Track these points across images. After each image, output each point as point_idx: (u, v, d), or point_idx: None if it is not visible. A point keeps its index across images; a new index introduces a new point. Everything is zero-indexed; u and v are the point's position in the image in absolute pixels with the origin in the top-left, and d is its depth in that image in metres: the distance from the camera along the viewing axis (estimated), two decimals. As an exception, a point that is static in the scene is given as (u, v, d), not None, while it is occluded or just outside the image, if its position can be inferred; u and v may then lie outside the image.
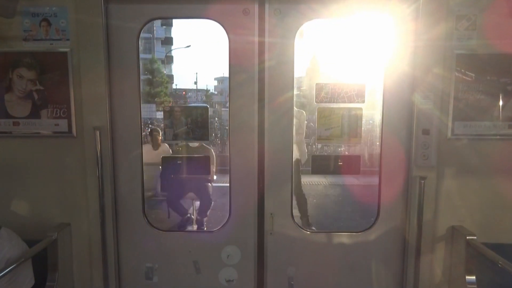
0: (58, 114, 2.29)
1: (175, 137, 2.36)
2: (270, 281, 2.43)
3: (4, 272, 1.78)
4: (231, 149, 2.35)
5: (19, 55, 2.24)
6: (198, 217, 3.92)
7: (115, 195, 2.36)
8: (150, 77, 18.20)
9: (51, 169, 2.31)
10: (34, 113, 2.29)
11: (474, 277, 2.16)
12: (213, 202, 4.09)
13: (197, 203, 4.16)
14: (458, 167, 2.28)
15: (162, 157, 2.60)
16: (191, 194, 4.13)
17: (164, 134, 2.37)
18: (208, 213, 4.07)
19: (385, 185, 2.34)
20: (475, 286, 2.15)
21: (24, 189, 2.33)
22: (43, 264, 2.21)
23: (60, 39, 2.25)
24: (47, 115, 2.28)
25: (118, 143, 2.33)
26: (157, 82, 18.35)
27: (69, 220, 2.35)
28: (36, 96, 2.28)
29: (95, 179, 2.27)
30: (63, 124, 2.29)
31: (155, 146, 4.43)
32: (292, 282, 2.42)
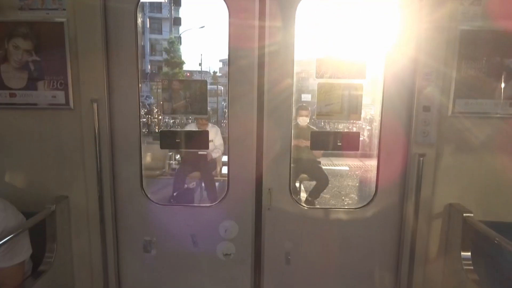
0: (55, 86, 2.26)
1: (174, 111, 2.34)
2: (267, 255, 2.45)
3: (3, 241, 1.79)
4: (229, 125, 2.33)
5: (14, 25, 2.20)
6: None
7: (113, 168, 2.35)
8: (168, 57, 17.94)
9: (48, 142, 2.30)
10: (31, 85, 2.26)
11: (469, 254, 2.18)
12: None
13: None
14: (458, 145, 2.27)
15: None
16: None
17: (162, 107, 2.35)
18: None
19: (383, 162, 2.33)
20: (470, 262, 2.17)
21: (21, 161, 2.32)
22: (42, 235, 2.22)
23: (56, 9, 2.20)
24: (44, 87, 2.25)
25: (116, 116, 2.31)
26: (175, 63, 18.10)
27: (67, 193, 2.35)
28: (32, 67, 2.24)
29: (93, 152, 2.26)
30: (60, 96, 2.26)
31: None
32: (289, 257, 2.44)
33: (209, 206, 2.44)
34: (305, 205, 2.41)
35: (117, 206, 2.41)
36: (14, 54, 2.22)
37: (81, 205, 2.35)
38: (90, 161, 2.28)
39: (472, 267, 2.16)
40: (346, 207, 2.44)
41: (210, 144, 4.37)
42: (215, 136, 4.62)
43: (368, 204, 2.40)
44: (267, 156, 2.34)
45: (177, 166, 4.97)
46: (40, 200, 2.23)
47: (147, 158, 4.96)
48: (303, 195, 4.49)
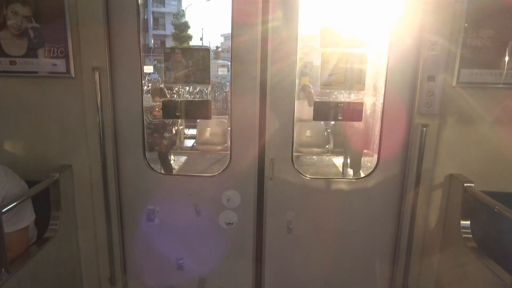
0: (56, 54, 2.22)
1: (176, 80, 2.32)
2: (269, 225, 2.49)
3: (8, 208, 1.80)
4: (232, 97, 2.32)
5: (12, -10, 2.15)
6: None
7: (115, 138, 2.35)
8: (176, 31, 17.56)
9: (50, 111, 2.28)
10: (31, 52, 2.22)
11: (468, 222, 2.21)
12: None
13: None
14: (461, 115, 2.26)
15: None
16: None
17: (164, 76, 2.32)
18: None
19: (386, 132, 2.33)
20: (469, 231, 2.21)
21: (23, 130, 2.31)
22: (46, 204, 2.24)
23: (55, -26, 2.14)
24: (44, 54, 2.22)
25: (118, 84, 2.29)
26: (184, 37, 17.73)
27: (70, 162, 2.35)
28: (32, 34, 2.20)
29: (95, 121, 2.25)
30: (61, 64, 2.23)
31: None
32: (291, 226, 2.48)
33: (212, 176, 2.45)
34: (306, 175, 2.42)
35: (120, 175, 2.42)
36: (13, 20, 2.17)
37: (85, 174, 2.36)
38: (92, 130, 2.28)
39: (470, 236, 2.20)
40: (347, 178, 2.46)
41: None
42: None
43: (369, 174, 2.41)
44: (269, 126, 2.34)
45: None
46: (43, 169, 2.24)
47: (206, 134, 5.02)
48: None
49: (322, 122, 5.27)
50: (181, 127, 5.20)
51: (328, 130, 5.43)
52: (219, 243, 2.53)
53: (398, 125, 2.31)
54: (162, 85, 5.59)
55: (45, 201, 2.23)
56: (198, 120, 5.57)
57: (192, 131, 5.99)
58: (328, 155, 5.67)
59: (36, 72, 2.24)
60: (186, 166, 5.55)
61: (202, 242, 2.53)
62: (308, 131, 5.24)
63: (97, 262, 2.47)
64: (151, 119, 4.49)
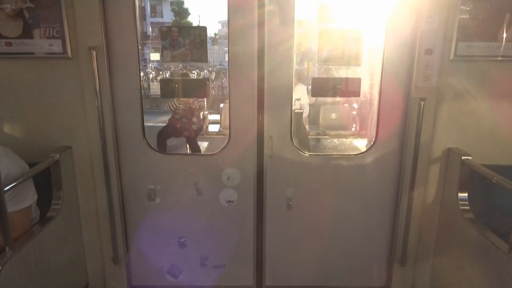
0: (52, 34, 2.21)
1: (173, 59, 2.31)
2: (269, 202, 2.51)
3: (10, 186, 1.82)
4: (230, 76, 2.32)
5: (6, -31, 2.13)
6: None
7: (114, 118, 2.35)
8: (177, 19, 17.42)
9: (48, 92, 2.28)
10: (27, 33, 2.21)
11: (466, 194, 2.24)
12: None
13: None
14: (459, 89, 2.27)
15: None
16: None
17: (162, 56, 2.32)
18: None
19: (384, 107, 2.35)
20: (467, 202, 2.24)
21: (22, 112, 2.31)
22: (48, 185, 2.26)
23: (48, -48, 2.12)
24: (40, 35, 2.21)
25: (115, 64, 2.28)
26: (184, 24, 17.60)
27: (70, 143, 2.36)
28: (27, 15, 2.19)
29: (94, 102, 2.25)
30: (57, 44, 2.22)
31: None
32: (291, 203, 2.50)
33: (212, 154, 2.46)
34: (306, 152, 2.44)
35: (120, 155, 2.43)
36: (7, 0, 2.16)
37: (85, 155, 2.37)
38: (91, 110, 2.28)
39: (468, 207, 2.22)
40: (346, 153, 2.47)
41: (297, 103, 4.38)
42: (302, 94, 4.53)
43: (368, 149, 2.43)
44: (268, 104, 2.35)
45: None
46: (43, 151, 2.24)
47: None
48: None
49: (346, 104, 5.27)
50: (206, 112, 5.18)
51: (354, 113, 5.44)
52: (220, 221, 2.56)
53: (396, 99, 2.32)
54: (185, 71, 5.56)
55: (46, 184, 2.25)
56: (221, 105, 5.56)
57: (215, 117, 6.05)
58: (352, 138, 5.65)
59: (33, 53, 2.23)
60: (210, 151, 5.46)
61: (203, 220, 2.56)
62: (333, 114, 5.25)
63: (100, 241, 2.50)
64: (177, 105, 4.57)
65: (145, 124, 2.40)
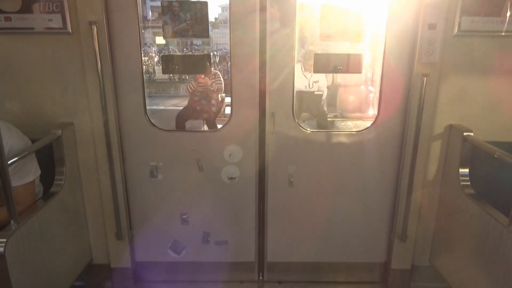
0: (51, 9, 2.19)
1: (174, 34, 2.29)
2: (270, 178, 2.53)
3: (13, 160, 1.83)
4: (232, 52, 2.30)
5: None
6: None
7: (116, 94, 2.35)
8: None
9: (49, 68, 2.27)
10: (26, 8, 2.18)
11: (467, 170, 2.25)
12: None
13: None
14: (462, 64, 2.26)
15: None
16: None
17: (163, 31, 2.30)
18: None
19: (386, 83, 2.33)
20: (468, 178, 2.25)
21: (23, 88, 2.30)
22: (50, 162, 2.27)
23: None
24: (40, 9, 2.18)
25: (116, 40, 2.26)
26: None
27: (72, 120, 2.36)
28: (26, -12, 2.16)
29: (95, 78, 2.24)
30: (56, 19, 2.20)
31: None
32: (292, 179, 2.52)
33: (213, 131, 2.48)
34: (307, 129, 2.44)
35: (122, 132, 2.44)
36: (5, -27, 2.13)
37: (87, 132, 2.37)
38: (92, 87, 2.27)
39: (469, 183, 2.24)
40: (348, 130, 2.48)
41: (315, 85, 4.28)
42: (320, 77, 4.37)
43: (370, 126, 2.43)
44: (270, 80, 2.34)
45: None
46: (45, 128, 2.25)
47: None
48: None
49: (363, 86, 5.23)
50: (223, 94, 5.17)
51: (371, 95, 5.38)
52: (222, 198, 2.58)
53: (398, 75, 2.31)
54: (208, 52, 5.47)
55: (48, 161, 2.26)
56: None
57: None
58: (369, 120, 5.59)
59: (32, 28, 2.21)
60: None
61: (205, 197, 2.58)
62: (351, 96, 5.20)
63: (103, 217, 2.53)
64: (195, 86, 4.49)
65: (156, 107, 2.40)
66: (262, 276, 2.79)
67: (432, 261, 2.59)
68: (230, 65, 2.31)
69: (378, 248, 2.70)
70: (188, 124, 4.08)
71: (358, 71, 2.38)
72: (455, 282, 2.31)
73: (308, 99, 2.43)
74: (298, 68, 2.38)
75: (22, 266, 1.86)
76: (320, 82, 4.49)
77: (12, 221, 1.80)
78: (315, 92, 2.21)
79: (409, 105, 2.32)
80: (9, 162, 1.78)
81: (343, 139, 2.46)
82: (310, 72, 2.97)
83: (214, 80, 4.23)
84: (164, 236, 2.68)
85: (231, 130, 2.43)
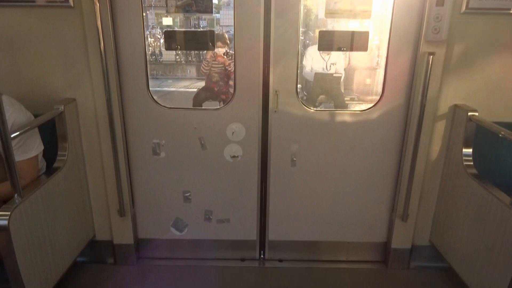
0: (53, -19, 2.15)
1: (177, 9, 2.26)
2: (273, 157, 2.52)
3: (16, 134, 1.83)
4: (236, 27, 2.26)
5: None
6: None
7: (118, 70, 2.33)
8: None
9: (50, 42, 2.24)
10: (26, -20, 2.16)
11: (470, 150, 2.25)
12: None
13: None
14: (469, 43, 2.23)
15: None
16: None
17: (166, 6, 2.26)
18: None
19: (392, 61, 2.31)
20: (471, 158, 2.25)
21: (23, 62, 2.28)
22: (53, 138, 2.26)
23: None
24: (41, -18, 2.15)
25: (118, 14, 2.23)
26: None
27: (74, 96, 2.35)
28: (26, -41, 2.12)
29: (97, 53, 2.21)
30: (58, -8, 2.17)
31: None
32: (295, 159, 2.52)
33: (216, 109, 2.45)
34: (311, 108, 2.43)
35: (124, 109, 2.42)
36: None
37: (89, 108, 2.36)
38: (95, 62, 2.25)
39: (472, 163, 2.24)
40: (352, 110, 2.46)
41: (332, 68, 4.21)
42: (337, 59, 4.27)
43: (374, 105, 2.41)
44: (274, 58, 2.31)
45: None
46: (48, 104, 2.24)
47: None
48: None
49: (379, 69, 5.16)
50: None
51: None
52: (225, 176, 2.58)
53: (404, 53, 2.28)
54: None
55: (52, 139, 2.26)
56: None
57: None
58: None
59: (33, 1, 2.18)
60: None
61: (208, 175, 2.58)
62: (367, 79, 5.15)
63: (105, 194, 2.54)
64: (209, 66, 4.34)
65: (167, 89, 2.37)
66: (263, 254, 2.81)
67: (433, 241, 2.61)
68: (234, 43, 2.27)
69: (378, 228, 2.72)
70: (205, 105, 4.05)
71: (364, 49, 2.34)
72: (455, 261, 2.34)
73: (327, 81, 2.39)
74: (315, 49, 2.34)
75: (27, 239, 1.88)
76: (338, 64, 4.43)
77: (15, 195, 1.81)
78: (334, 74, 2.18)
79: (414, 84, 2.30)
80: (12, 136, 1.78)
81: (347, 118, 2.44)
82: (328, 54, 2.94)
83: (231, 60, 4.17)
84: (167, 214, 2.70)
85: (234, 108, 2.42)
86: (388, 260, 2.72)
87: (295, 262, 2.79)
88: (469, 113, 2.21)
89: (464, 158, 2.25)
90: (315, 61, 3.28)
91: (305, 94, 2.51)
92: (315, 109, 2.44)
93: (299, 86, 2.51)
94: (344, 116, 2.45)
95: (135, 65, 2.34)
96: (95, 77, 2.28)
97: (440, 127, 2.39)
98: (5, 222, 1.72)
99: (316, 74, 2.39)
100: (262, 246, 2.79)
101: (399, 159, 2.51)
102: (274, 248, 2.78)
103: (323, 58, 2.40)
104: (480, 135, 2.27)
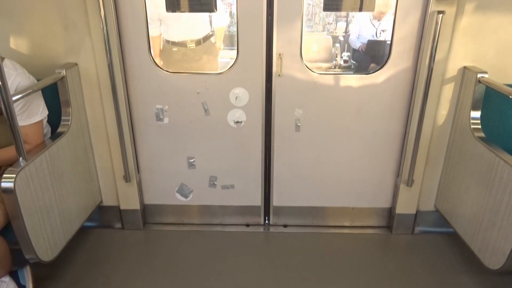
0: None
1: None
2: (277, 122, 2.50)
3: (19, 96, 1.82)
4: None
5: None
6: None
7: (120, 34, 2.29)
8: None
9: (50, 5, 2.20)
10: None
11: (478, 113, 2.20)
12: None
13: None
14: (481, 1, 2.14)
15: None
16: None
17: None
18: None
19: (400, 22, 2.23)
20: (479, 121, 2.20)
21: (25, 27, 2.25)
22: (56, 105, 2.26)
23: None
24: None
25: None
26: None
27: (76, 61, 2.32)
28: None
29: (97, 17, 2.17)
30: (56, -48, 2.11)
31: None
32: (299, 124, 2.49)
33: (219, 73, 2.41)
34: (316, 71, 2.38)
35: (127, 74, 2.40)
36: None
37: (91, 73, 2.34)
38: (95, 26, 2.21)
39: (479, 126, 2.20)
40: (358, 73, 2.41)
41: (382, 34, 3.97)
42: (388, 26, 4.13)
43: (381, 68, 2.35)
44: (277, 20, 2.25)
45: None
46: (49, 68, 2.22)
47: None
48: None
49: None
50: None
51: None
52: (228, 142, 2.57)
53: (412, 12, 2.20)
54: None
55: (55, 106, 2.26)
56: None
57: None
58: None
59: (31, -37, 2.13)
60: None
61: (212, 141, 2.57)
62: None
63: (111, 160, 2.55)
64: None
65: None
66: (268, 219, 2.84)
67: (438, 206, 2.60)
68: (236, 4, 2.21)
69: (383, 193, 2.71)
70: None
71: (371, 9, 2.26)
72: (460, 226, 2.33)
73: (380, 49, 2.32)
74: (365, 16, 2.26)
75: (33, 202, 1.91)
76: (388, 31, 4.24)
77: (20, 158, 1.82)
78: (387, 42, 2.14)
79: (423, 45, 2.22)
80: (15, 99, 1.77)
81: (352, 81, 2.39)
82: (378, 20, 2.83)
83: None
84: (172, 180, 2.72)
85: (238, 73, 2.38)
86: (393, 225, 2.73)
87: (299, 228, 2.81)
88: (479, 75, 2.15)
89: (472, 121, 2.20)
90: (363, 28, 3.13)
91: (353, 62, 2.43)
92: (319, 72, 2.39)
93: (347, 54, 2.45)
94: (349, 80, 2.39)
95: (137, 30, 2.29)
96: (96, 41, 2.25)
97: (448, 91, 2.33)
98: (11, 185, 1.74)
99: (369, 41, 2.30)
100: (266, 212, 2.81)
101: (405, 123, 2.47)
102: (279, 214, 2.80)
103: (373, 25, 2.31)
104: (489, 98, 2.22)
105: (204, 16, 2.68)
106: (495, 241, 2.00)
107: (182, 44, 2.79)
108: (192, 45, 2.77)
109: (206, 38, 2.67)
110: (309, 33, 2.37)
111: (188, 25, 2.73)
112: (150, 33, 2.32)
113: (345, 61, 2.46)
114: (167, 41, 2.73)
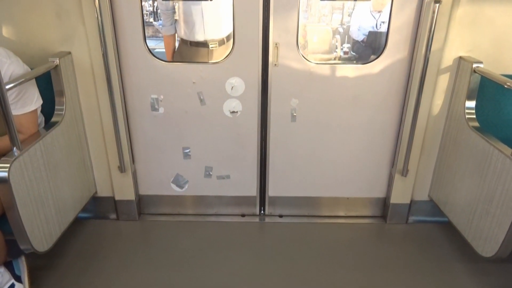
0: None
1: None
2: (273, 112, 2.49)
3: (12, 85, 1.80)
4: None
5: None
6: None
7: (114, 22, 2.25)
8: None
9: None
10: None
11: (473, 102, 2.22)
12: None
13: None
14: (477, -10, 2.14)
15: None
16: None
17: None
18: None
19: (396, 12, 2.23)
20: (473, 111, 2.22)
21: (17, 15, 2.21)
22: (50, 95, 2.23)
23: None
24: None
25: None
26: None
27: (69, 49, 2.29)
28: None
29: (92, 5, 2.13)
30: None
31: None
32: (295, 114, 2.49)
33: (215, 63, 2.40)
34: (312, 61, 2.37)
35: (121, 63, 2.37)
36: None
37: (85, 62, 2.31)
38: (89, 15, 2.17)
39: (474, 116, 2.21)
40: (354, 63, 2.41)
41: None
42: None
43: (377, 58, 2.35)
44: (274, 8, 2.23)
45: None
46: (43, 57, 2.18)
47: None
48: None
49: None
50: None
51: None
52: (224, 132, 2.56)
53: (409, 2, 2.19)
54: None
55: (49, 96, 2.23)
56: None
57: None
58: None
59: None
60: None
61: (207, 131, 2.56)
62: None
63: (105, 150, 2.53)
64: None
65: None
66: (264, 210, 2.85)
67: (432, 196, 2.63)
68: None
69: (378, 183, 2.73)
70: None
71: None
72: (454, 215, 2.36)
73: (380, 40, 2.33)
74: (365, 7, 2.25)
75: (28, 193, 1.89)
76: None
77: (14, 148, 1.80)
78: None
79: (419, 35, 2.23)
80: (8, 87, 1.75)
81: (348, 71, 2.39)
82: (379, 12, 2.82)
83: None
84: (167, 170, 2.71)
85: (233, 62, 2.36)
86: (387, 215, 2.75)
87: (295, 218, 2.82)
88: (474, 65, 2.16)
89: (467, 111, 2.21)
90: (363, 20, 3.09)
91: (354, 54, 2.43)
92: (316, 62, 2.38)
93: (347, 45, 2.44)
94: (345, 70, 2.39)
95: (131, 18, 2.26)
96: (89, 29, 2.21)
97: (444, 81, 2.34)
98: (5, 174, 1.71)
99: (370, 33, 2.32)
100: (262, 202, 2.82)
101: (401, 113, 2.48)
102: (274, 204, 2.81)
103: (373, 17, 2.31)
104: (484, 88, 2.23)
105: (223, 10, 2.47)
106: (488, 229, 2.03)
107: (203, 45, 2.52)
108: (215, 45, 2.51)
109: (230, 37, 2.44)
110: (308, 24, 2.36)
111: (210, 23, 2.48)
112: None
113: (345, 53, 2.45)
114: (184, 41, 2.51)
